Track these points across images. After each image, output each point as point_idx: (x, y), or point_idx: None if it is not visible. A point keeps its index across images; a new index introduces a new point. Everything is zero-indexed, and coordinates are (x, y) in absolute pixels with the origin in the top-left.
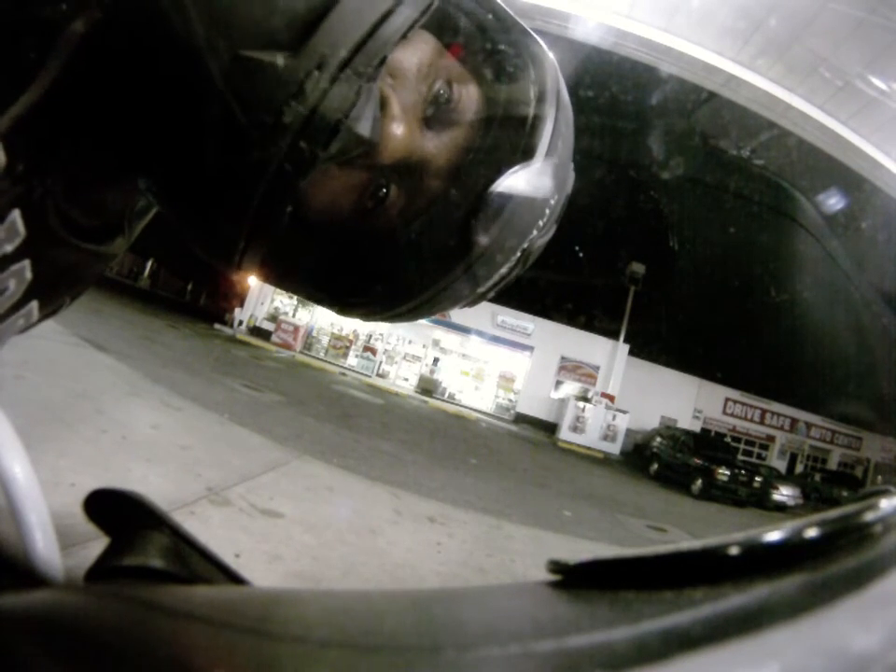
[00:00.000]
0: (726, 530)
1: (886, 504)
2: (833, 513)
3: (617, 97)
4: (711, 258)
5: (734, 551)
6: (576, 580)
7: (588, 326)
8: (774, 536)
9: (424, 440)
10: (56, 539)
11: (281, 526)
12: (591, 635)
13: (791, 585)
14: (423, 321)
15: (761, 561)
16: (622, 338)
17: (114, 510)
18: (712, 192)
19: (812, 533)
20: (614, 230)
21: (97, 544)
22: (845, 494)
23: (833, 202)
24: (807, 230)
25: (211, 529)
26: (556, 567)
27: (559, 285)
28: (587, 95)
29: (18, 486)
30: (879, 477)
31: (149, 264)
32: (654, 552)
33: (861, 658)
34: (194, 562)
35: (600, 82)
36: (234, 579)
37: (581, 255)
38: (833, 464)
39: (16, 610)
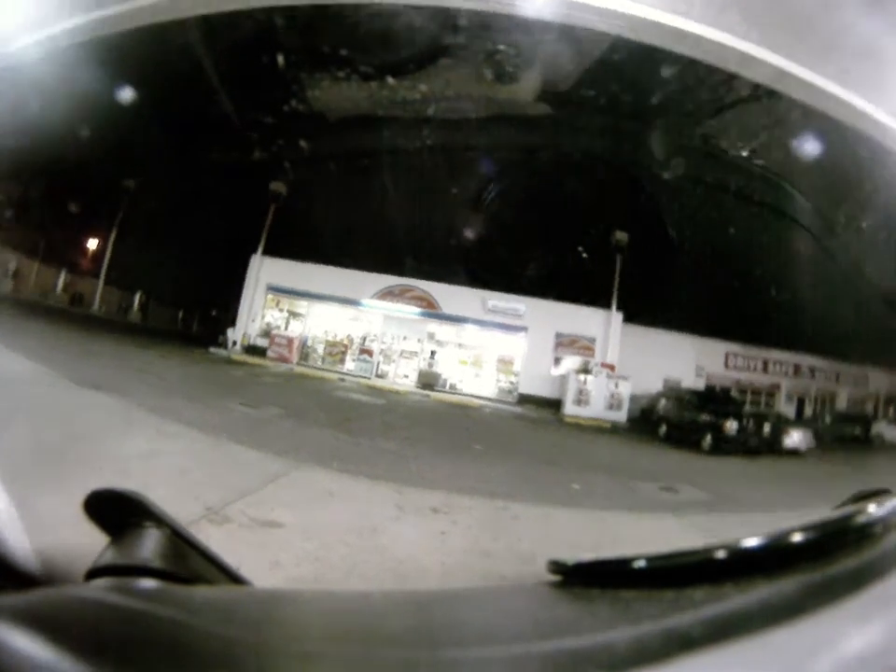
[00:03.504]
0: (738, 481)
1: (885, 504)
2: (833, 514)
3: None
4: (691, 212)
5: (734, 552)
6: (576, 580)
7: (579, 299)
8: (774, 537)
9: (426, 433)
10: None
11: (282, 535)
12: (591, 635)
13: (792, 586)
14: (414, 315)
15: (761, 562)
16: (613, 306)
17: (114, 510)
18: (688, 150)
19: (812, 534)
20: (593, 201)
21: (97, 544)
22: (857, 431)
23: (811, 147)
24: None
25: (211, 546)
26: (557, 567)
27: (546, 262)
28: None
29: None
30: (892, 409)
31: (138, 297)
32: (655, 552)
33: (861, 659)
34: (194, 562)
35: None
36: (234, 579)
37: (563, 230)
38: (842, 403)
39: (17, 610)
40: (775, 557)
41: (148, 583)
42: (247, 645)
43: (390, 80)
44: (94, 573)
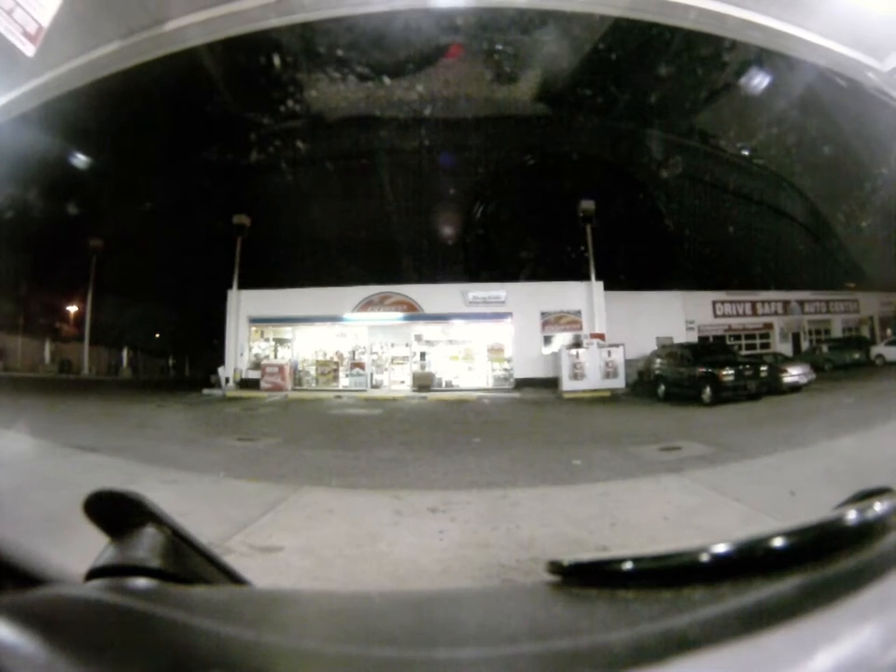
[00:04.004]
0: (739, 428)
1: (885, 504)
2: (833, 514)
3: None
4: (655, 170)
5: (733, 552)
6: (575, 580)
7: (557, 275)
8: (772, 537)
9: (423, 436)
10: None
11: (281, 558)
12: (588, 636)
13: (790, 586)
14: (398, 320)
15: (759, 562)
16: (593, 276)
17: (114, 510)
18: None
19: (811, 534)
20: (553, 174)
21: (97, 544)
22: (857, 356)
23: (758, 80)
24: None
25: None
26: (555, 567)
27: (518, 245)
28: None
29: None
30: (888, 330)
31: (125, 353)
32: (653, 552)
33: (860, 660)
34: (194, 562)
35: None
36: (234, 579)
37: (528, 210)
38: (837, 331)
39: (17, 609)
40: (773, 557)
41: (148, 583)
42: (246, 645)
43: (387, 81)
44: (94, 573)
